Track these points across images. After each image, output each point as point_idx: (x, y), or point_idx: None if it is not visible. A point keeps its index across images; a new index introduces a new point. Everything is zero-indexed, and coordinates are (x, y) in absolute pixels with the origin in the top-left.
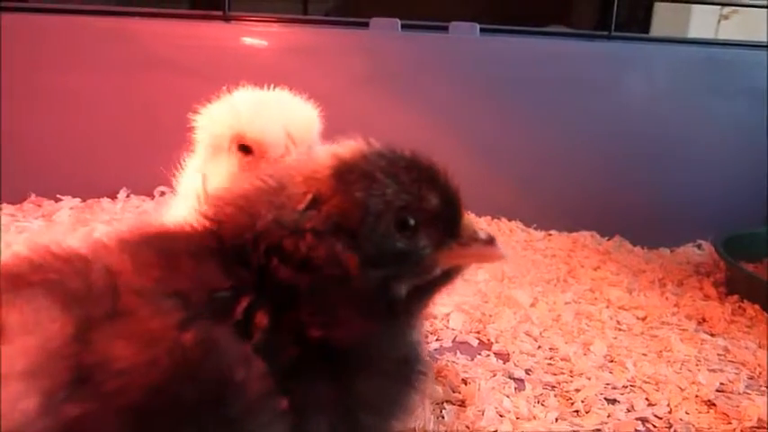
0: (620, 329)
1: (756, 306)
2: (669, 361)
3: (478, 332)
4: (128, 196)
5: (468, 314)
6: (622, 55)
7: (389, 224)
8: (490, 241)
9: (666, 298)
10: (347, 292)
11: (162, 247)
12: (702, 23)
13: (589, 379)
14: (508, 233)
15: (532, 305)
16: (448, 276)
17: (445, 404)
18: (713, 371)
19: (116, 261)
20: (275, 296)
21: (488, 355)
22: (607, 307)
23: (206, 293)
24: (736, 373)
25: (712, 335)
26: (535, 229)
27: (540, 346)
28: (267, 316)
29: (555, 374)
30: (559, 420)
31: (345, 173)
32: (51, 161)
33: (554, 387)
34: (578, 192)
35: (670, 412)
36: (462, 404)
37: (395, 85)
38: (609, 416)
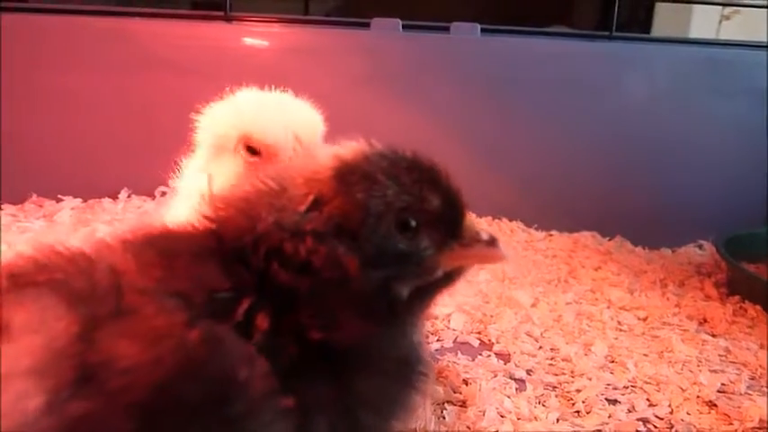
0: (621, 330)
1: (757, 307)
2: (670, 361)
3: (479, 332)
4: (129, 196)
5: (469, 315)
6: (623, 55)
7: (390, 225)
8: (492, 242)
9: (667, 298)
10: (347, 295)
11: (164, 248)
12: (703, 24)
13: (590, 379)
14: (509, 233)
15: (533, 305)
16: (450, 277)
17: (446, 404)
18: (714, 371)
19: (120, 261)
20: (275, 299)
21: (489, 356)
22: (608, 307)
23: (207, 294)
24: (738, 374)
25: (713, 335)
26: (536, 229)
27: (541, 347)
28: (268, 318)
29: (556, 375)
30: (560, 421)
31: (347, 174)
32: (52, 161)
33: (555, 387)
34: (579, 192)
35: (671, 413)
36: (463, 404)
37: (396, 86)
38: (610, 416)
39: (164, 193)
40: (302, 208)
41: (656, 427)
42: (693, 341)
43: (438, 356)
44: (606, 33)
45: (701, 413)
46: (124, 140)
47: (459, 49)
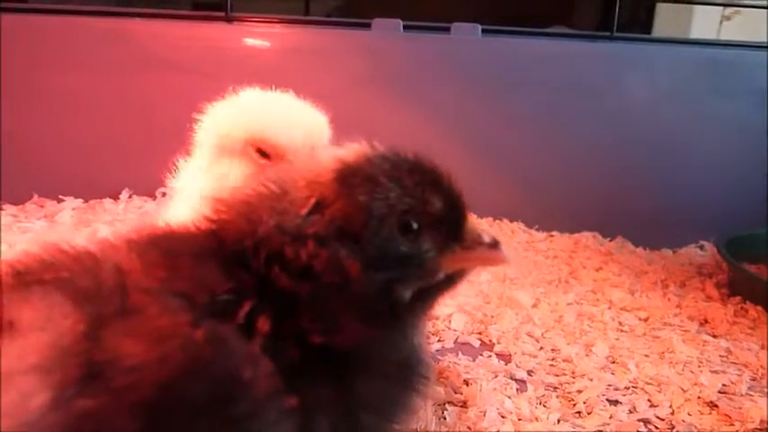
0: (622, 330)
1: (759, 307)
2: (671, 362)
3: (480, 333)
4: (130, 197)
5: (469, 315)
6: (624, 56)
7: (393, 228)
8: (494, 245)
9: (668, 299)
10: (349, 299)
11: (168, 248)
12: (704, 24)
13: (591, 380)
14: (510, 234)
15: (534, 306)
16: (451, 280)
17: (447, 405)
18: (715, 372)
19: (125, 260)
20: (276, 302)
21: (490, 356)
22: (609, 308)
23: (209, 295)
24: (739, 375)
25: (714, 336)
26: (537, 230)
27: (541, 347)
28: (269, 321)
29: (557, 375)
30: (561, 421)
31: (349, 176)
32: (53, 162)
33: (556, 388)
34: (580, 193)
35: (672, 413)
36: (464, 405)
37: (396, 86)
38: (611, 417)
39: (164, 194)
40: (304, 211)
41: (657, 427)
42: (694, 342)
43: (439, 357)
44: (607, 34)
45: (702, 414)
46: (125, 141)
47: (459, 50)
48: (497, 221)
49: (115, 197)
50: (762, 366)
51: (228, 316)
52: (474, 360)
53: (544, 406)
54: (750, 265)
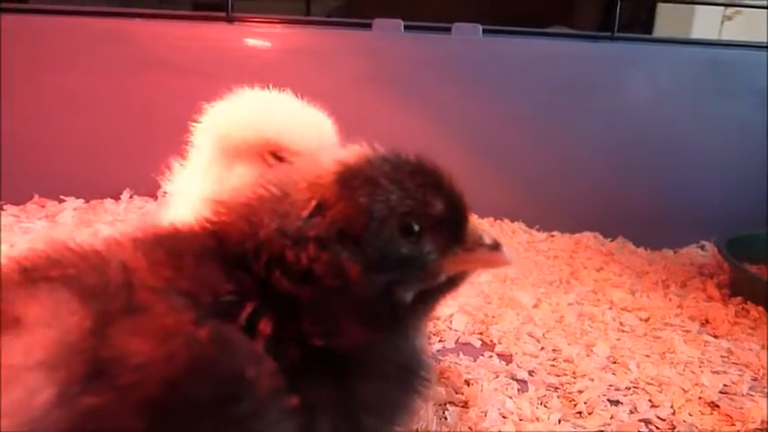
0: (623, 331)
1: (760, 308)
2: (672, 362)
3: (481, 333)
4: (131, 197)
5: (470, 315)
6: (625, 56)
7: (394, 230)
8: (496, 246)
9: (669, 299)
10: (349, 302)
11: (172, 247)
12: (705, 24)
13: (592, 380)
14: (511, 234)
15: (535, 306)
16: (453, 282)
17: (448, 405)
18: (716, 372)
19: (131, 259)
20: (277, 305)
21: (491, 357)
22: (610, 308)
23: (212, 295)
24: (740, 375)
25: (715, 336)
26: (538, 230)
27: (542, 348)
28: (271, 323)
29: (558, 376)
30: (562, 422)
31: (350, 178)
32: (54, 162)
33: (557, 388)
34: (581, 193)
35: (673, 414)
36: (465, 405)
37: (397, 86)
38: (612, 417)
39: (166, 194)
40: (305, 213)
41: (658, 428)
42: (695, 342)
43: (440, 357)
44: (608, 34)
45: (703, 414)
46: (126, 141)
47: (460, 50)
48: (498, 222)
49: (116, 197)
50: (763, 367)
51: (231, 317)
52: (475, 360)
53: (545, 406)
54: (751, 265)
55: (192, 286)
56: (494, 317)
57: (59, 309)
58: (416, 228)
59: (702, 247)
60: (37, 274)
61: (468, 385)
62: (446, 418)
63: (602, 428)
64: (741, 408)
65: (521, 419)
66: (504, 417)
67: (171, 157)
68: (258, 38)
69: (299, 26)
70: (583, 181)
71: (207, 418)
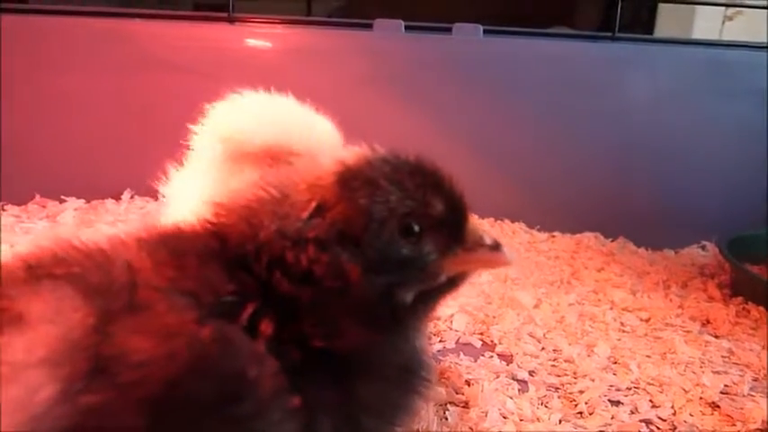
0: (623, 331)
1: (761, 308)
2: (673, 363)
3: (482, 333)
4: (132, 197)
5: (471, 315)
6: (626, 56)
7: (394, 231)
8: (496, 247)
9: (670, 299)
10: (349, 303)
11: (176, 248)
12: (706, 25)
13: (593, 380)
14: (511, 234)
15: (536, 306)
16: (453, 282)
17: (449, 405)
18: (717, 373)
19: (135, 258)
20: (278, 306)
21: (492, 357)
22: (611, 308)
23: (214, 295)
24: (741, 375)
25: (716, 337)
26: (538, 230)
27: (543, 348)
28: (272, 324)
29: (558, 376)
30: (563, 422)
31: (350, 179)
32: (55, 162)
33: (557, 389)
34: (582, 193)
35: (674, 414)
36: (466, 405)
37: (398, 87)
38: (612, 418)
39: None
40: (305, 214)
41: (658, 428)
42: (696, 342)
43: (440, 357)
44: (609, 34)
45: (703, 414)
46: (127, 141)
47: (461, 50)
48: (499, 222)
49: (117, 197)
50: (763, 367)
51: (233, 317)
52: (475, 360)
53: (546, 406)
54: (752, 265)
55: (194, 286)
56: (494, 317)
57: (63, 306)
58: (416, 228)
59: (703, 248)
60: (41, 271)
61: (469, 385)
62: (447, 419)
63: (602, 429)
64: (742, 408)
65: (521, 420)
66: (504, 417)
67: (172, 158)
68: (259, 38)
69: (299, 26)
70: (583, 181)
71: (208, 417)
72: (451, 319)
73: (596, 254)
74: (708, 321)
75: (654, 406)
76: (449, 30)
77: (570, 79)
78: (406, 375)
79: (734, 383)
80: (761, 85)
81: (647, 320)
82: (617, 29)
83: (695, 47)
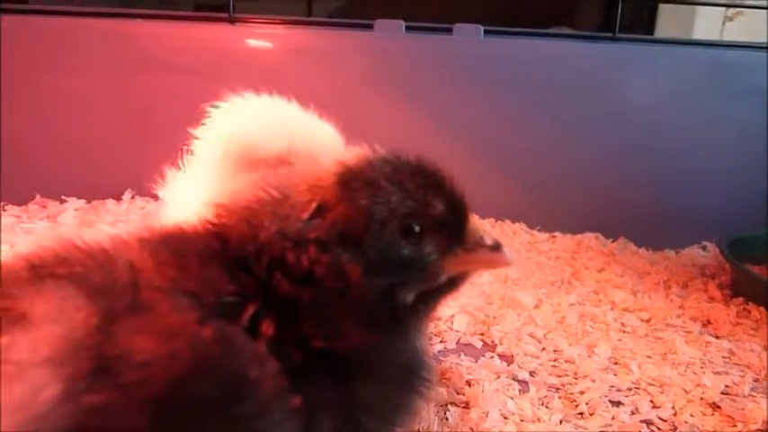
0: (624, 331)
1: (761, 308)
2: (674, 363)
3: (482, 334)
4: (132, 197)
5: (472, 316)
6: (627, 57)
7: (394, 231)
8: (496, 247)
9: (671, 300)
10: (350, 304)
11: (177, 248)
12: (707, 25)
13: (593, 381)
14: (512, 235)
15: (536, 307)
16: (454, 282)
17: (449, 406)
18: (718, 373)
19: (137, 258)
20: (279, 307)
21: (492, 357)
22: (611, 309)
23: (215, 296)
24: (741, 376)
25: (717, 337)
26: (539, 230)
27: (544, 348)
28: (273, 325)
29: (559, 376)
30: (564, 422)
31: (350, 180)
32: (56, 163)
33: (558, 389)
34: (582, 193)
35: (675, 415)
36: (466, 406)
37: (399, 87)
38: (613, 418)
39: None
40: (305, 215)
41: (659, 428)
42: (697, 343)
43: (441, 358)
44: (609, 35)
45: (704, 415)
46: (128, 142)
47: (462, 51)
48: (499, 222)
49: (118, 198)
50: (764, 367)
51: (234, 317)
52: (476, 361)
53: (546, 407)
54: (752, 265)
55: (195, 286)
56: (495, 317)
57: (66, 305)
58: (417, 229)
59: (704, 248)
60: (44, 270)
61: (470, 386)
62: (447, 419)
63: (603, 429)
64: (743, 409)
65: (522, 420)
66: (505, 417)
67: (173, 158)
68: (260, 39)
69: (300, 27)
70: (584, 181)
71: (210, 417)
72: (452, 319)
73: (597, 254)
74: (708, 322)
75: (654, 406)
76: (449, 30)
77: (571, 79)
78: (406, 375)
79: (735, 384)
80: (761, 86)
81: (648, 321)
82: (617, 29)
83: (696, 47)
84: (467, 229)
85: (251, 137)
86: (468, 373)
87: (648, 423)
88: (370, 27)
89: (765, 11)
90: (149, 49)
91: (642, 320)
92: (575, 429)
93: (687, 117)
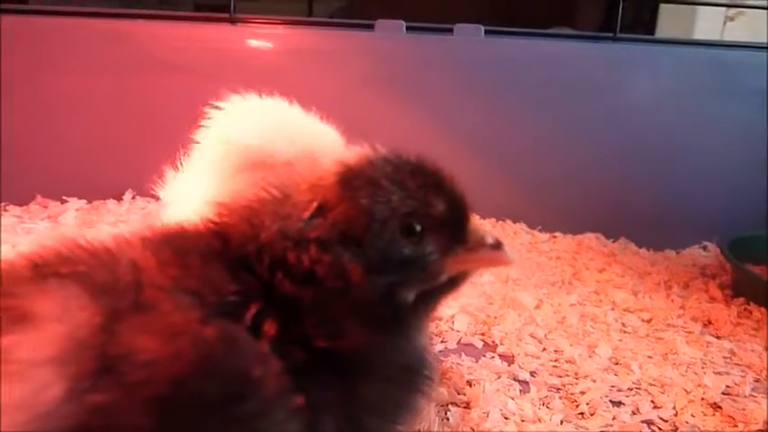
0: (625, 332)
1: (762, 308)
2: (675, 363)
3: (483, 334)
4: (133, 198)
5: (472, 316)
6: (627, 57)
7: (395, 231)
8: (497, 246)
9: (672, 300)
10: (351, 304)
11: (179, 247)
12: (708, 25)
13: (594, 381)
14: (513, 235)
15: (537, 307)
16: (455, 282)
17: (450, 406)
18: (719, 373)
19: (140, 257)
20: (281, 307)
21: (493, 357)
22: (612, 309)
23: (217, 295)
24: (742, 376)
25: (718, 337)
26: (540, 231)
27: (544, 349)
28: (275, 325)
29: (560, 377)
30: (564, 423)
31: (351, 179)
32: (57, 163)
33: (559, 389)
34: (583, 194)
35: (676, 415)
36: (467, 406)
37: (399, 87)
38: (614, 418)
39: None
40: (306, 214)
41: (660, 429)
42: (698, 343)
43: (442, 358)
44: (610, 35)
45: (705, 415)
46: (128, 142)
47: (462, 51)
48: (500, 222)
49: (118, 198)
50: (765, 368)
51: (236, 317)
52: (477, 361)
53: (547, 407)
54: (753, 266)
55: (198, 285)
56: (496, 318)
57: (70, 304)
58: (418, 228)
59: (705, 248)
60: (47, 270)
61: (470, 386)
62: (448, 419)
63: (604, 429)
64: (743, 409)
65: (522, 420)
66: (506, 417)
67: (173, 159)
68: (260, 39)
69: (301, 27)
70: (585, 182)
71: (213, 416)
72: (453, 319)
73: (598, 254)
74: (709, 322)
75: (655, 407)
76: (450, 30)
77: (572, 80)
78: (408, 374)
79: (735, 384)
80: (762, 86)
81: (649, 321)
82: (618, 29)
83: (696, 47)
84: (468, 229)
85: (251, 137)
86: (469, 374)
87: (649, 423)
88: (370, 27)
89: (766, 11)
90: (150, 50)
91: (643, 321)
92: (575, 429)
93: (688, 117)
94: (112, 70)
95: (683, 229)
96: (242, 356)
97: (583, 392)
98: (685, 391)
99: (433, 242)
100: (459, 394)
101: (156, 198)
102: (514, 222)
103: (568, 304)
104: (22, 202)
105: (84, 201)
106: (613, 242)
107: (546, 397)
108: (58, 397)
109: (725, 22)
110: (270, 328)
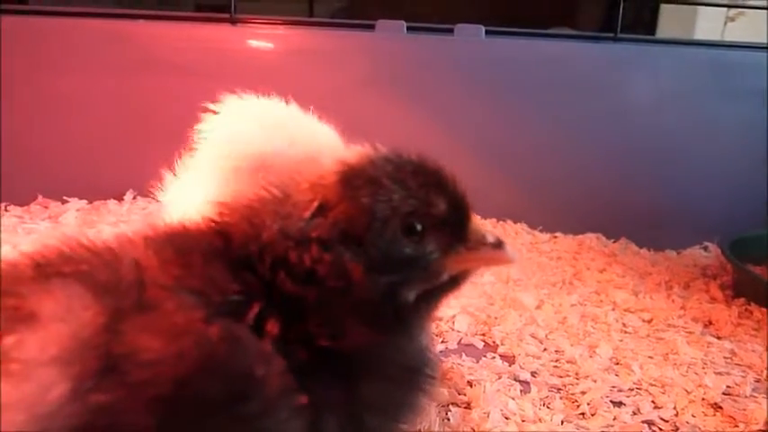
0: (625, 332)
1: (763, 309)
2: (675, 364)
3: (484, 334)
4: (134, 198)
5: (473, 316)
6: (628, 57)
7: (396, 230)
8: (498, 245)
9: (673, 300)
10: (353, 303)
11: (181, 246)
12: (708, 25)
13: (595, 381)
14: (513, 235)
15: (538, 307)
16: (456, 281)
17: (450, 406)
18: (720, 374)
19: (143, 256)
20: (283, 306)
21: (494, 358)
22: (613, 309)
23: (220, 294)
24: (743, 376)
25: (719, 338)
26: (540, 231)
27: (545, 349)
28: (277, 324)
29: (560, 377)
30: (565, 423)
31: (352, 179)
32: (57, 163)
33: (559, 389)
34: (584, 194)
35: (676, 415)
36: (468, 406)
37: (400, 88)
38: (615, 419)
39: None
40: (307, 214)
41: (660, 429)
42: (699, 343)
43: (442, 358)
44: (611, 35)
45: (706, 415)
46: (129, 142)
47: (463, 51)
48: (501, 222)
49: (119, 198)
50: (766, 368)
51: (239, 316)
52: (477, 361)
53: (548, 407)
54: (754, 266)
55: (200, 285)
56: (496, 318)
57: (73, 304)
58: (419, 227)
59: (705, 249)
60: (50, 269)
61: (471, 386)
62: (449, 419)
63: (604, 430)
64: (744, 409)
65: (523, 420)
66: (506, 418)
67: (174, 159)
68: (261, 39)
69: (301, 27)
70: (585, 182)
71: (217, 415)
72: (453, 319)
73: (598, 255)
74: (710, 322)
75: (656, 407)
76: (451, 31)
77: (572, 80)
78: (410, 374)
79: (736, 384)
80: (762, 86)
81: (650, 321)
82: (619, 29)
83: (697, 47)
84: (469, 228)
85: (252, 137)
86: (470, 374)
87: (650, 423)
88: (371, 27)
89: (766, 11)
90: (150, 50)
91: (644, 321)
92: (576, 430)
93: (688, 117)
94: (113, 70)
95: (683, 230)
96: (245, 356)
97: (583, 393)
98: (686, 391)
99: (435, 241)
100: (459, 394)
101: (157, 198)
102: (515, 222)
103: (569, 304)
104: (23, 202)
105: (84, 201)
106: (614, 242)
107: (547, 397)
108: (61, 396)
109: (725, 23)
110: (272, 327)
